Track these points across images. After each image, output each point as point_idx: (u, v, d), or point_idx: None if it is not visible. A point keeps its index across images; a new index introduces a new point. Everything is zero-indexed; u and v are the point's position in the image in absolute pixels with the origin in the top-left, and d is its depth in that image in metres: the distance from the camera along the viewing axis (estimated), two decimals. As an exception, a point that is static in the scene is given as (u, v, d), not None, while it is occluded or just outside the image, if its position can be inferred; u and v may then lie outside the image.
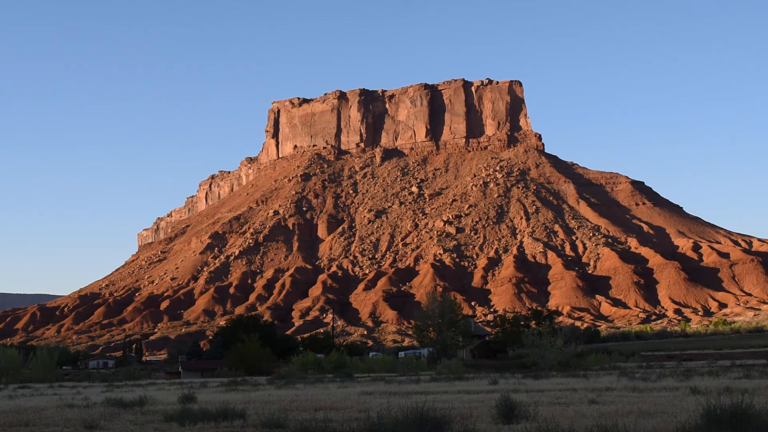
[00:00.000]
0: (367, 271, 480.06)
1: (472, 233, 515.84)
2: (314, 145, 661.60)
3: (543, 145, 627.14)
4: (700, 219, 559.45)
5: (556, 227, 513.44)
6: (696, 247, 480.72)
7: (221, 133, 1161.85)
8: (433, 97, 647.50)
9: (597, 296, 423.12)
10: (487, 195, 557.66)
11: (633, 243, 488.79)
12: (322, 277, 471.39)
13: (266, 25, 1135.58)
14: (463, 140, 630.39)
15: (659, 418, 29.45)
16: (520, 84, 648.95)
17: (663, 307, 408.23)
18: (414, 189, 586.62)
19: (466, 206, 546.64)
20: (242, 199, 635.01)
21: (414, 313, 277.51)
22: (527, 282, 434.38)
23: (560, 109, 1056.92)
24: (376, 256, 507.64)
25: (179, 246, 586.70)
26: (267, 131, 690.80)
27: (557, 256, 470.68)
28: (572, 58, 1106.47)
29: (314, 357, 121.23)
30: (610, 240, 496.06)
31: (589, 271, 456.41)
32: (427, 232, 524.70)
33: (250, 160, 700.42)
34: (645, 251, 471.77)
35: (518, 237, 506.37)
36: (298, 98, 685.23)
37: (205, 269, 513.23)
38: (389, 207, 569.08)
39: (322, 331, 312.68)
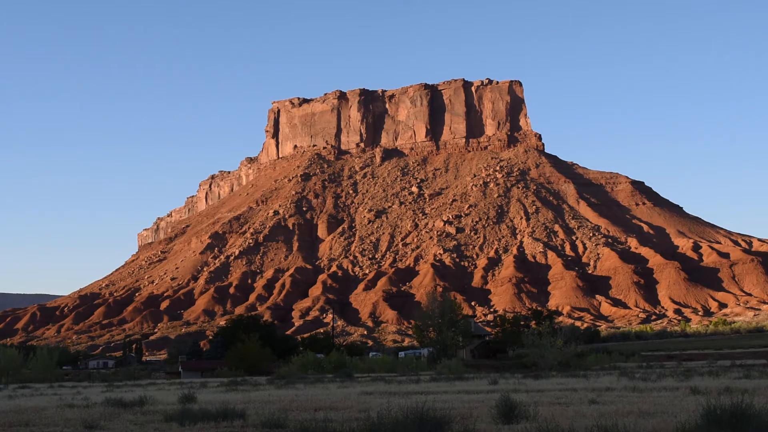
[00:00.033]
0: (367, 271, 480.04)
1: (472, 233, 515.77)
2: (314, 145, 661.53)
3: (543, 145, 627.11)
4: (700, 219, 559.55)
5: (556, 227, 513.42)
6: (696, 247, 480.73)
7: (221, 133, 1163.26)
8: (433, 97, 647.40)
9: (597, 296, 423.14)
10: (487, 195, 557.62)
11: (633, 243, 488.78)
12: (322, 277, 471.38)
13: (266, 25, 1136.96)
14: (463, 140, 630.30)
15: (659, 418, 29.46)
16: (520, 84, 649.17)
17: (663, 307, 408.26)
18: (414, 189, 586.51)
19: (466, 206, 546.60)
20: (242, 199, 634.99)
21: (414, 313, 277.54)
22: (527, 282, 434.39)
23: (560, 109, 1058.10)
24: (376, 256, 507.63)
25: (179, 246, 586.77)
26: (267, 131, 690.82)
27: (557, 256, 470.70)
28: (572, 58, 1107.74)
29: (314, 357, 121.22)
30: (610, 240, 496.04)
31: (589, 271, 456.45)
32: (427, 232, 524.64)
33: (250, 160, 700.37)
34: (645, 251, 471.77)
35: (518, 237, 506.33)
36: (298, 98, 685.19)
37: (205, 269, 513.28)
38: (389, 207, 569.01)
39: (322, 331, 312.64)
